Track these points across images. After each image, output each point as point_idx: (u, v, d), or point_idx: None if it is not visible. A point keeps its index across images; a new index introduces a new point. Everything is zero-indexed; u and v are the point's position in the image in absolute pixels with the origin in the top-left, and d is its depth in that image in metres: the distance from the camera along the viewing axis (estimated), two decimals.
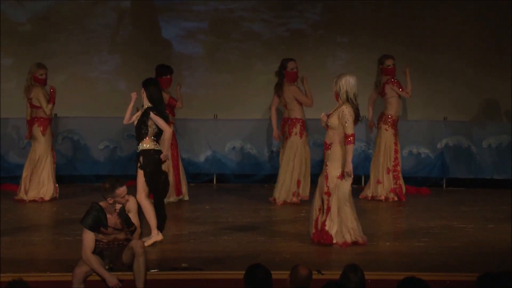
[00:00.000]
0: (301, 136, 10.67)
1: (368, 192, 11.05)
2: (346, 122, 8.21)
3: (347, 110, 8.23)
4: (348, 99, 8.27)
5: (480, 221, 9.76)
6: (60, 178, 11.43)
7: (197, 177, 12.32)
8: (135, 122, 8.51)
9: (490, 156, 12.21)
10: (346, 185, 8.30)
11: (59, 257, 7.85)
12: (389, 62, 10.94)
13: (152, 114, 8.41)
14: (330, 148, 8.31)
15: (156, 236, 8.38)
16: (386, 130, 11.01)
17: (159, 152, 8.45)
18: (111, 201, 6.91)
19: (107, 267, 6.93)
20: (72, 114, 12.08)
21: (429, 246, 8.48)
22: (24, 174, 10.82)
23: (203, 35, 12.63)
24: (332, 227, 8.29)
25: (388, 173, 10.98)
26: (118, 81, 12.47)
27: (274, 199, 10.75)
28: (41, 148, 10.77)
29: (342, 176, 8.25)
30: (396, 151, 11.04)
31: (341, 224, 8.30)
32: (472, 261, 7.82)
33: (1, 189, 11.53)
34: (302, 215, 10.08)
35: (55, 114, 11.40)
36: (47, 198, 10.78)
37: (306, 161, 10.72)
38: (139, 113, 8.53)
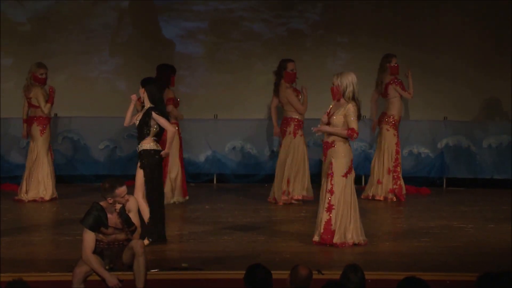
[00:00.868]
0: (294, 136, 10.68)
1: (369, 192, 11.05)
2: (352, 118, 8.25)
3: (353, 108, 8.28)
4: (354, 98, 8.32)
5: (480, 221, 9.76)
6: (60, 178, 11.43)
7: (197, 177, 12.32)
8: (137, 123, 8.50)
9: (490, 156, 12.21)
10: (350, 184, 8.32)
11: (59, 257, 7.85)
12: (395, 60, 10.99)
13: (154, 114, 8.40)
14: (334, 146, 8.31)
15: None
16: (387, 130, 11.02)
17: (159, 152, 8.45)
18: (111, 201, 6.90)
19: (107, 267, 6.93)
20: (72, 114, 12.08)
21: (429, 246, 8.48)
22: (25, 174, 10.82)
23: (203, 35, 12.63)
24: (334, 226, 8.28)
25: (388, 173, 10.98)
26: (118, 81, 12.47)
27: (275, 199, 10.74)
28: (40, 147, 10.77)
29: (347, 174, 8.28)
30: (397, 152, 11.05)
31: (344, 223, 8.31)
32: (472, 261, 7.82)
33: (1, 189, 11.53)
34: (302, 214, 10.08)
35: (55, 114, 11.41)
36: (47, 198, 10.78)
37: (300, 160, 10.70)
38: (140, 114, 8.52)
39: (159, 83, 9.11)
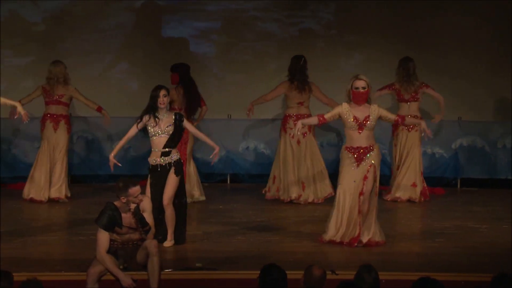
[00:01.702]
0: (280, 134, 10.93)
1: (399, 193, 10.96)
2: (387, 112, 8.38)
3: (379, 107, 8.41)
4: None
5: (495, 222, 9.72)
6: (74, 178, 11.46)
7: (211, 177, 12.32)
8: (170, 128, 8.26)
9: (505, 156, 12.16)
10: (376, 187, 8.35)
11: (73, 257, 7.86)
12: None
13: (185, 121, 8.39)
14: (373, 150, 8.31)
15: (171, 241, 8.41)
16: (416, 131, 11.00)
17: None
18: (124, 200, 6.92)
19: (121, 267, 6.95)
20: (86, 114, 12.10)
21: (444, 246, 8.45)
22: (36, 173, 10.83)
23: (216, 35, 12.63)
24: (369, 228, 8.27)
25: (421, 175, 11.00)
26: (130, 81, 12.49)
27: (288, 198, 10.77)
28: (61, 146, 10.83)
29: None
30: (420, 153, 11.10)
31: (375, 225, 8.33)
32: (486, 261, 7.79)
33: (15, 188, 11.57)
34: (316, 214, 10.07)
35: (70, 114, 11.43)
36: (61, 197, 10.80)
37: (286, 159, 10.77)
38: (164, 121, 8.29)
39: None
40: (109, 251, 6.92)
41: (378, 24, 12.47)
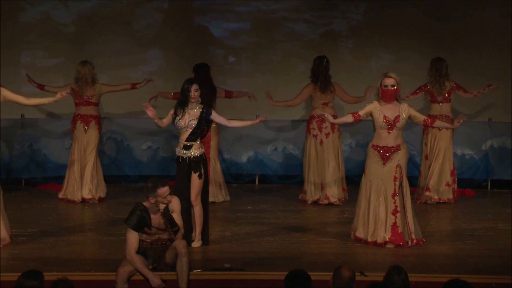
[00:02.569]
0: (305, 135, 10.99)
1: (431, 194, 10.92)
2: (417, 112, 8.35)
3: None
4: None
5: None
6: (103, 178, 11.50)
7: (239, 177, 12.34)
8: (193, 122, 8.30)
9: None
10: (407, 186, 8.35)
11: (103, 257, 7.91)
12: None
13: (214, 113, 8.37)
14: (400, 149, 8.28)
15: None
16: (448, 130, 10.98)
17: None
18: (153, 201, 6.94)
19: (150, 267, 6.97)
20: (115, 115, 12.16)
21: (474, 248, 8.39)
22: (71, 173, 10.91)
23: (245, 36, 12.64)
24: (401, 229, 8.24)
25: (454, 175, 11.01)
26: (160, 82, 12.52)
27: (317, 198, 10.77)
28: (92, 147, 10.90)
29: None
30: (452, 152, 11.09)
31: (414, 223, 8.33)
32: None
33: (46, 188, 11.65)
34: (344, 216, 10.04)
35: (99, 114, 11.48)
36: (93, 198, 10.86)
37: (310, 160, 10.82)
38: (188, 115, 8.30)
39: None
40: (138, 251, 6.94)
41: (408, 25, 12.40)
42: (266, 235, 8.91)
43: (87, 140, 10.88)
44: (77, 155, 10.87)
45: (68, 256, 7.93)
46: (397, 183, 8.25)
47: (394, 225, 8.27)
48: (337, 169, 10.77)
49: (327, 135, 10.78)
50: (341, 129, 11.06)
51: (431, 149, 11.03)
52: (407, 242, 8.29)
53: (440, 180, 10.92)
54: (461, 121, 8.60)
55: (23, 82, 12.12)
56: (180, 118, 8.31)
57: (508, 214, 10.26)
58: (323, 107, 10.83)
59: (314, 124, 10.79)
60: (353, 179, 11.32)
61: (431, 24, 12.37)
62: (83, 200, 10.78)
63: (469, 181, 12.06)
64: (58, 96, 8.40)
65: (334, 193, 10.68)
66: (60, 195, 10.90)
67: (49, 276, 5.78)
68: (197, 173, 8.29)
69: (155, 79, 12.57)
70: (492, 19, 12.31)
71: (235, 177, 12.25)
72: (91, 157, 10.88)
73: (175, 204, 7.14)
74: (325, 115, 8.84)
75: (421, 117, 8.39)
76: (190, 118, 8.30)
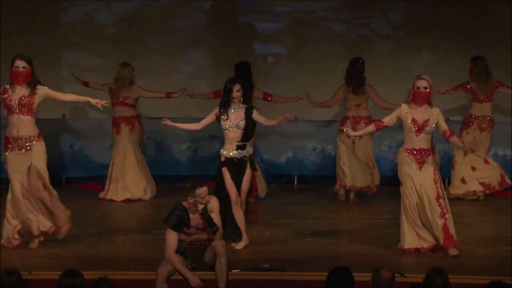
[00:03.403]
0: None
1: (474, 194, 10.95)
2: (443, 121, 8.17)
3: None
4: None
5: None
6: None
7: (278, 178, 12.33)
8: (242, 123, 8.26)
9: None
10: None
11: (142, 256, 7.95)
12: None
13: (255, 113, 8.37)
14: (433, 152, 8.20)
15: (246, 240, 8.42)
16: (488, 132, 10.93)
17: None
18: (191, 201, 6.97)
19: (189, 266, 7.00)
20: (155, 115, 12.23)
21: None
22: (112, 173, 11.00)
23: (284, 36, 12.64)
24: (451, 230, 8.17)
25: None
26: (199, 82, 12.57)
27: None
28: (134, 147, 10.99)
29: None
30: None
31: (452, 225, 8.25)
32: None
33: (86, 188, 11.74)
34: (383, 217, 9.99)
35: (139, 115, 11.57)
36: (134, 198, 10.95)
37: (342, 159, 10.93)
38: (235, 115, 8.27)
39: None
40: (177, 251, 6.97)
41: (448, 24, 12.31)
42: (305, 236, 8.89)
43: (130, 140, 10.98)
44: (119, 155, 10.96)
45: (107, 255, 7.99)
46: (439, 185, 8.15)
47: (445, 228, 8.14)
48: (368, 168, 10.89)
49: (361, 136, 10.76)
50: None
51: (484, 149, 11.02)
52: (459, 244, 8.18)
53: (481, 181, 10.89)
54: (469, 148, 8.88)
55: (65, 82, 12.26)
56: (226, 118, 8.27)
57: None
58: (356, 108, 10.87)
59: (348, 125, 10.80)
60: (387, 179, 11.27)
61: (471, 24, 12.26)
62: (127, 201, 10.84)
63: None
64: (94, 102, 8.44)
65: (364, 184, 10.88)
66: (101, 195, 10.99)
67: (89, 275, 5.82)
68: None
69: (195, 80, 12.63)
70: None
71: (274, 178, 12.25)
72: (133, 158, 10.97)
73: (213, 204, 7.15)
74: (346, 129, 8.89)
75: (443, 127, 8.17)
76: (238, 118, 8.25)
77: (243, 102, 8.45)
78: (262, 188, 11.05)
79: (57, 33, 12.31)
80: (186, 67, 12.63)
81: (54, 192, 8.35)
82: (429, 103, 8.19)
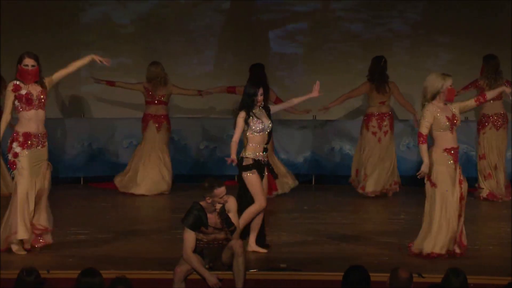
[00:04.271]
0: (361, 131, 11.21)
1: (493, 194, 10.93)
2: (462, 102, 8.18)
3: None
4: None
5: None
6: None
7: (296, 177, 12.31)
8: (271, 125, 8.09)
9: None
10: None
11: (160, 256, 7.96)
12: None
13: (271, 108, 8.26)
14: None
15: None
16: (504, 129, 10.95)
17: None
18: (209, 201, 6.97)
19: (207, 266, 7.01)
20: (172, 115, 12.25)
21: None
22: (138, 168, 11.05)
23: (302, 36, 12.63)
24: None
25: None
26: (216, 82, 12.58)
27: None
28: (162, 146, 11.12)
29: None
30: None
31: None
32: None
33: (104, 187, 11.77)
34: (401, 217, 9.97)
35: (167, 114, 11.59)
36: (150, 193, 11.01)
37: (367, 156, 11.00)
38: (262, 118, 8.06)
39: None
40: (195, 251, 6.98)
41: (467, 24, 12.26)
42: (322, 235, 8.89)
43: (159, 139, 11.05)
44: (147, 153, 11.02)
45: (125, 254, 8.01)
46: (463, 185, 8.07)
47: (461, 230, 8.08)
48: (390, 165, 11.03)
49: (386, 133, 11.05)
50: (394, 129, 11.22)
51: (490, 149, 10.94)
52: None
53: (502, 182, 10.89)
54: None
55: (82, 82, 12.30)
56: (256, 122, 8.04)
57: None
58: (380, 105, 11.04)
59: (374, 122, 10.97)
60: (405, 179, 11.25)
61: (489, 25, 12.20)
62: (142, 196, 10.91)
63: None
64: (98, 60, 8.17)
65: (385, 184, 10.98)
66: (121, 189, 11.04)
67: (107, 274, 5.84)
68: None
69: (212, 79, 12.64)
70: None
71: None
72: (162, 156, 11.04)
73: (231, 204, 7.15)
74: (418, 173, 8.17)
75: (471, 103, 8.15)
76: (266, 121, 8.06)
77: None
78: (289, 183, 11.13)
79: (74, 33, 12.35)
80: (203, 67, 12.65)
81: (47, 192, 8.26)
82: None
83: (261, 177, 8.12)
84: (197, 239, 7.00)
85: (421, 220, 8.08)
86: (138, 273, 7.16)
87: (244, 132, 8.06)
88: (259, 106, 8.11)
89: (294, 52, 12.64)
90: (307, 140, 12.30)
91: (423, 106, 8.01)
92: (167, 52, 12.49)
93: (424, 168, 7.82)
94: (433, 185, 7.93)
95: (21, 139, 7.92)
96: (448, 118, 7.98)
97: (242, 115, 8.00)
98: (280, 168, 11.03)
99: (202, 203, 7.03)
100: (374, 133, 11.02)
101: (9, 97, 7.95)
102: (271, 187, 10.63)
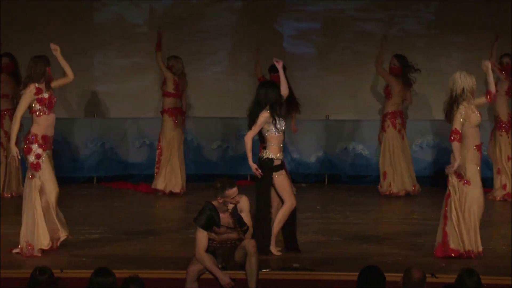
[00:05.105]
0: (384, 129, 11.17)
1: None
2: (475, 100, 8.05)
3: None
4: None
5: None
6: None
7: (308, 177, 12.31)
8: (280, 128, 8.00)
9: None
10: None
11: (172, 255, 7.97)
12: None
13: None
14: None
15: None
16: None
17: None
18: (221, 201, 6.97)
19: (219, 266, 7.00)
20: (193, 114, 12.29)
21: None
22: (163, 170, 11.07)
23: (315, 35, 12.62)
24: None
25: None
26: (229, 82, 12.59)
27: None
28: (178, 141, 11.13)
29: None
30: None
31: None
32: None
33: (117, 187, 11.80)
34: (414, 216, 9.95)
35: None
36: (174, 191, 11.02)
37: (394, 153, 11.05)
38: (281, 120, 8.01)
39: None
40: (207, 251, 6.98)
41: (481, 24, 12.21)
42: (335, 235, 8.87)
43: (176, 134, 11.06)
44: (167, 150, 11.03)
45: (138, 254, 8.02)
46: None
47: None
48: (410, 163, 11.11)
49: (402, 132, 11.15)
50: (406, 128, 11.28)
51: (505, 151, 10.95)
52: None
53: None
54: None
55: (96, 81, 12.33)
56: (279, 122, 7.95)
57: None
58: (400, 103, 11.12)
59: (399, 119, 11.05)
60: (418, 179, 11.24)
61: (502, 24, 12.14)
62: (172, 193, 10.99)
63: None
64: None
65: (407, 185, 11.00)
66: (153, 186, 11.09)
67: (120, 273, 5.84)
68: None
69: (224, 79, 12.64)
70: None
71: (304, 177, 12.23)
72: (180, 152, 11.09)
73: (244, 204, 7.15)
74: (447, 170, 7.99)
75: (481, 100, 8.04)
76: (283, 122, 8.03)
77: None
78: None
79: (87, 33, 12.38)
80: (216, 66, 12.65)
81: None
82: None
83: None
84: (209, 239, 7.00)
85: (435, 220, 8.06)
86: (150, 273, 7.17)
87: (260, 132, 7.94)
88: None
89: (307, 51, 12.62)
90: (319, 140, 12.29)
91: (449, 105, 7.84)
92: (180, 52, 12.47)
93: (456, 166, 7.69)
94: (467, 182, 7.82)
95: (40, 141, 7.95)
96: (480, 114, 7.90)
97: (265, 114, 7.88)
98: None
99: (214, 202, 7.03)
100: (399, 130, 11.07)
101: (29, 98, 7.94)
102: None
